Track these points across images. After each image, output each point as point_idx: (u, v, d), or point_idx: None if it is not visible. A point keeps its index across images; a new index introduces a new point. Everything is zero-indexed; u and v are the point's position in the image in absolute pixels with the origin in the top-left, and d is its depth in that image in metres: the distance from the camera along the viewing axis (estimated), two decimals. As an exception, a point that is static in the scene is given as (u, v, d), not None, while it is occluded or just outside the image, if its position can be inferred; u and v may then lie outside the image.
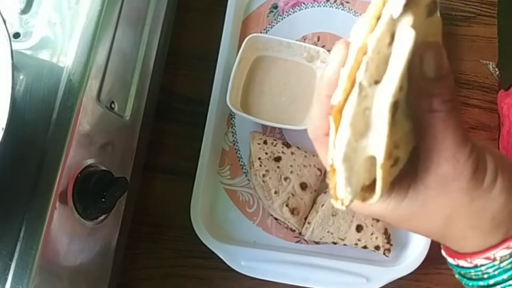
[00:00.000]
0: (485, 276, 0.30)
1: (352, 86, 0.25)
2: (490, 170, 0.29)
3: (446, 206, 0.29)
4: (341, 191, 0.27)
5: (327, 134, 0.28)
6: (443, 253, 0.34)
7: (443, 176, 0.28)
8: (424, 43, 0.26)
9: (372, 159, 0.26)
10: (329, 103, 0.27)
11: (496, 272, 0.29)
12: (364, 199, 0.28)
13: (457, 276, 0.34)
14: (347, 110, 0.25)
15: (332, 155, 0.26)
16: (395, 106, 0.25)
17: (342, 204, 0.28)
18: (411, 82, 0.26)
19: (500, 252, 0.29)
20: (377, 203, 0.29)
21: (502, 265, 0.29)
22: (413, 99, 0.27)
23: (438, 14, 0.28)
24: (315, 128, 0.31)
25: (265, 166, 0.58)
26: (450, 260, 0.33)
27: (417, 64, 0.26)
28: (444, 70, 0.27)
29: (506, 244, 0.29)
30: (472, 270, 0.31)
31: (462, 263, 0.31)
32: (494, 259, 0.29)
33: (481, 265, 0.30)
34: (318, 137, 0.31)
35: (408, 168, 0.29)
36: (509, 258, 0.29)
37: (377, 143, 0.26)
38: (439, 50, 0.27)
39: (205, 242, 0.56)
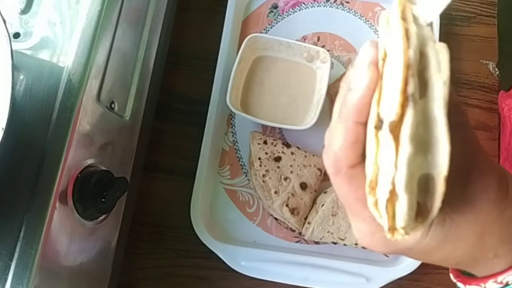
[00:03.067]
0: None
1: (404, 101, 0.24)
2: (511, 180, 0.28)
3: (477, 223, 0.28)
4: (402, 221, 0.24)
5: (353, 166, 0.27)
6: (457, 280, 0.33)
7: (473, 197, 0.27)
8: None
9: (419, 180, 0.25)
10: (358, 130, 0.26)
11: None
12: (413, 228, 0.25)
13: None
14: (405, 126, 0.23)
15: (391, 178, 0.24)
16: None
17: (405, 234, 0.25)
18: None
19: None
20: (411, 236, 0.26)
21: None
22: None
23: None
24: (338, 159, 0.27)
25: (265, 166, 0.58)
26: (462, 286, 0.32)
27: None
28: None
29: None
30: None
31: (490, 285, 0.29)
32: None
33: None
34: (341, 170, 0.28)
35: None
36: None
37: (440, 155, 0.24)
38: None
39: (205, 242, 0.56)
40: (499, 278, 0.29)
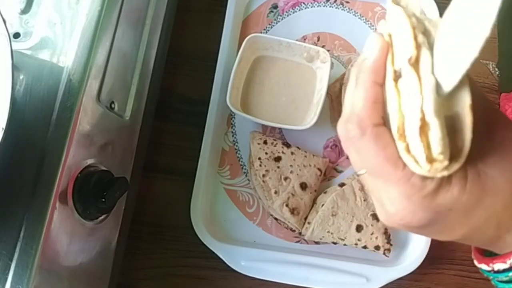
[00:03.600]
0: None
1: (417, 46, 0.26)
2: None
3: (508, 180, 0.27)
4: (438, 146, 0.25)
5: (377, 125, 0.28)
6: (479, 262, 0.32)
7: (502, 149, 0.27)
8: None
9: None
10: (377, 90, 0.28)
11: None
12: (449, 167, 0.26)
13: (496, 283, 0.32)
14: (424, 61, 0.26)
15: (420, 108, 0.25)
16: None
17: (442, 162, 0.25)
18: None
19: None
20: (444, 191, 0.27)
21: None
22: None
23: None
24: (362, 120, 0.28)
25: (265, 166, 0.58)
26: (484, 266, 0.31)
27: None
28: None
29: None
30: None
31: (501, 266, 0.30)
32: None
33: None
34: (367, 130, 0.28)
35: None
36: None
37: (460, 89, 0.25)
38: None
39: (205, 242, 0.56)
40: None
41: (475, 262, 0.33)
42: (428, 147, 0.25)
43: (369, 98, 0.29)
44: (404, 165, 0.27)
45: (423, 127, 0.25)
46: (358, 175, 0.31)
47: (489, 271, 0.31)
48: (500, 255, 0.30)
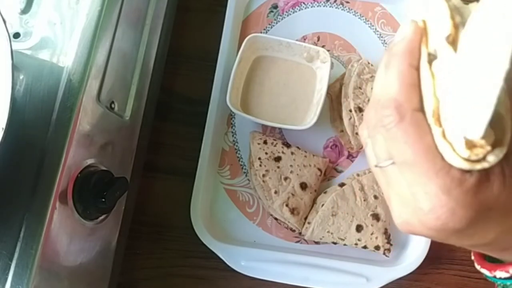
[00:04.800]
0: None
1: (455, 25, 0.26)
2: None
3: None
4: (482, 128, 0.23)
5: (417, 109, 0.26)
6: (483, 270, 0.31)
7: None
8: None
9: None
10: (412, 72, 0.26)
11: None
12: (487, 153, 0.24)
13: None
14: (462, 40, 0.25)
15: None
16: None
17: (484, 147, 0.23)
18: None
19: None
20: (483, 186, 0.25)
21: None
22: None
23: None
24: (400, 104, 0.26)
25: (265, 166, 0.58)
26: (488, 273, 0.30)
27: None
28: None
29: None
30: None
31: None
32: None
33: None
34: (406, 115, 0.26)
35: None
36: None
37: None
38: None
39: (205, 242, 0.56)
40: None
41: (476, 265, 0.33)
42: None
43: (406, 81, 0.26)
44: (442, 159, 0.25)
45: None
46: (380, 167, 0.28)
47: (491, 277, 0.31)
48: (503, 264, 0.30)
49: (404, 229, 0.28)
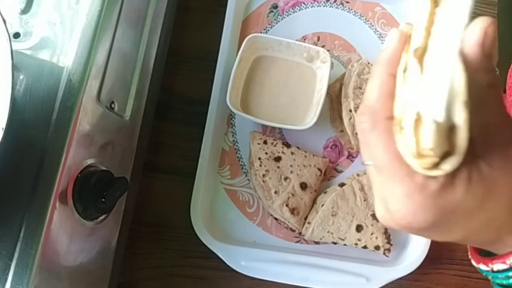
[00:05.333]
0: None
1: (427, 38, 0.26)
2: None
3: None
4: (429, 142, 0.24)
5: (389, 118, 0.27)
6: (477, 263, 0.32)
7: (507, 150, 0.27)
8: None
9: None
10: (391, 82, 0.27)
11: None
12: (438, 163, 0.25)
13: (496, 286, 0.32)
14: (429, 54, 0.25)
15: (413, 100, 0.25)
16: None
17: (431, 158, 0.25)
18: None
19: None
20: (445, 192, 0.26)
21: None
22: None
23: None
24: (375, 111, 0.28)
25: (265, 166, 0.58)
26: (483, 266, 0.31)
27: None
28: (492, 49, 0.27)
29: None
30: None
31: (500, 266, 0.29)
32: None
33: None
34: (379, 122, 0.28)
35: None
36: None
37: (457, 82, 0.24)
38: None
39: (205, 242, 0.56)
40: None
41: (473, 262, 0.33)
42: (419, 142, 0.25)
43: (385, 90, 0.28)
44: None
45: (418, 121, 0.25)
46: (364, 165, 0.31)
47: (488, 271, 0.31)
48: (499, 255, 0.30)
49: (383, 223, 0.30)
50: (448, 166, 0.25)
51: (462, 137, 0.25)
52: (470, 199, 0.27)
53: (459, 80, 0.24)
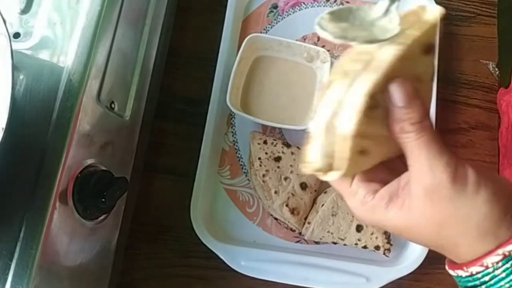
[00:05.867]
0: (483, 286, 0.31)
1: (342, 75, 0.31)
2: (472, 181, 0.30)
3: (435, 215, 0.31)
4: (313, 155, 0.32)
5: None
6: (446, 266, 0.35)
7: (427, 187, 0.31)
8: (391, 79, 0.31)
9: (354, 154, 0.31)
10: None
11: (492, 282, 0.30)
12: (327, 171, 0.32)
13: None
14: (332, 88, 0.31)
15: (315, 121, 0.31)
16: (373, 99, 0.29)
17: (308, 167, 0.32)
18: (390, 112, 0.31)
19: (490, 259, 0.30)
20: (380, 211, 0.33)
21: (496, 272, 0.30)
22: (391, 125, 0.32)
23: (434, 59, 0.32)
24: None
25: (265, 166, 0.58)
26: (450, 271, 0.34)
27: (388, 97, 0.31)
28: (407, 100, 0.31)
29: (495, 252, 0.30)
30: (470, 279, 0.31)
31: (460, 272, 0.32)
32: (487, 267, 0.30)
33: (477, 273, 0.31)
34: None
35: (403, 182, 0.33)
36: (501, 266, 0.30)
37: (349, 118, 0.30)
38: (401, 83, 0.31)
39: (205, 242, 0.56)
40: (469, 269, 0.31)
41: (448, 270, 0.35)
42: (307, 153, 0.32)
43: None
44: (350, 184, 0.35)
45: (310, 137, 0.32)
46: None
47: (466, 278, 0.32)
48: (471, 260, 0.32)
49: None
50: (329, 176, 0.33)
51: (343, 163, 0.31)
52: (398, 221, 0.33)
53: (347, 117, 0.30)
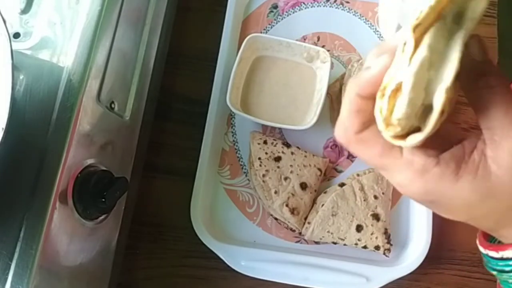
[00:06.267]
0: None
1: (433, 19, 0.26)
2: None
3: None
4: (400, 113, 0.26)
5: (358, 132, 0.30)
6: (481, 248, 0.33)
7: None
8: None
9: (425, 109, 0.27)
10: (359, 102, 0.29)
11: None
12: (407, 134, 0.27)
13: (494, 272, 0.33)
14: (429, 34, 0.26)
15: (402, 72, 0.26)
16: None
17: (395, 128, 0.27)
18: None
19: None
20: (449, 178, 0.28)
21: None
22: (466, 82, 0.28)
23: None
24: (345, 129, 0.31)
25: (265, 166, 0.58)
26: (492, 252, 0.32)
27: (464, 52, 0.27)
28: (488, 54, 0.28)
29: None
30: None
31: (507, 253, 0.30)
32: None
33: None
34: (350, 138, 0.30)
35: (469, 148, 0.29)
36: None
37: (448, 71, 0.25)
38: (479, 37, 0.28)
39: (205, 242, 0.56)
40: None
41: (480, 248, 0.33)
42: (391, 111, 0.27)
43: (352, 108, 0.30)
44: (401, 154, 0.29)
45: (396, 92, 0.26)
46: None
47: (497, 259, 0.32)
48: (505, 244, 0.31)
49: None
50: (411, 139, 0.27)
51: (432, 118, 0.26)
52: (469, 192, 0.28)
53: (450, 69, 0.25)
